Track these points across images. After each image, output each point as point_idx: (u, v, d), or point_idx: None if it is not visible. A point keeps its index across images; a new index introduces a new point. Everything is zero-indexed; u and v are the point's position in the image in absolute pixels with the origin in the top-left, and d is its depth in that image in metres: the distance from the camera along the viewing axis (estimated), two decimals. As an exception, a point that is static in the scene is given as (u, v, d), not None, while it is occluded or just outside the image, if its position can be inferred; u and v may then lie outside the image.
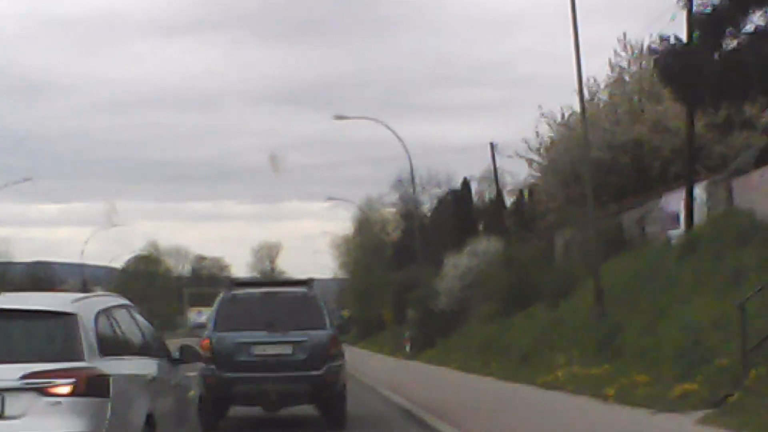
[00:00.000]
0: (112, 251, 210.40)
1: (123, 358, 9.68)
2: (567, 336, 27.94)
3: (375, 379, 31.71)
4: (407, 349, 51.83)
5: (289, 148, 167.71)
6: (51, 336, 9.12)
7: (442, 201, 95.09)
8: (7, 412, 8.60)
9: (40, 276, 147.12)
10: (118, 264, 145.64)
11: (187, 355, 11.69)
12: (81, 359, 8.89)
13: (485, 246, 49.23)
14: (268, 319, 16.86)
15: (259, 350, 16.88)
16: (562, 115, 43.20)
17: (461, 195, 60.02)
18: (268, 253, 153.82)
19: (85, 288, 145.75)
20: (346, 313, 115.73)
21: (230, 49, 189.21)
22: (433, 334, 47.84)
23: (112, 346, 9.56)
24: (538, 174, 45.69)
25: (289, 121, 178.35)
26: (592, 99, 43.32)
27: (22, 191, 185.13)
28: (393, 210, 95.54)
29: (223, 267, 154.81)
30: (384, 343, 69.33)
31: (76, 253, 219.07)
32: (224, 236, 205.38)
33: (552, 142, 43.26)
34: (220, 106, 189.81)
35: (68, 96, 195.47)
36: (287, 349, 16.88)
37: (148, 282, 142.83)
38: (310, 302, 17.25)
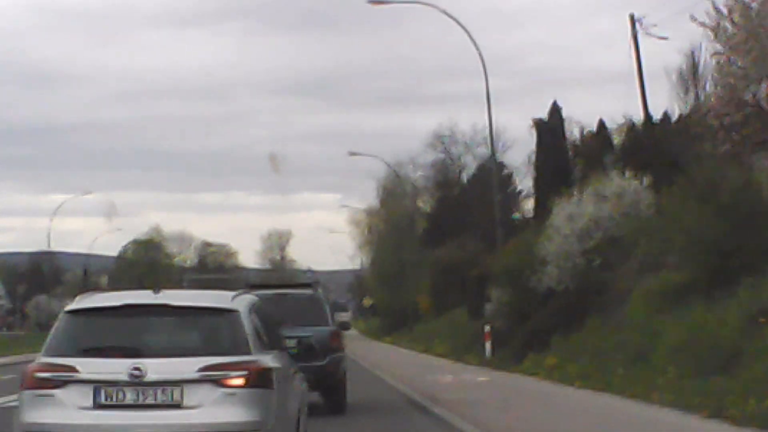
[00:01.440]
0: (120, 242, 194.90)
1: (272, 353, 9.56)
2: None
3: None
4: (487, 351, 31.24)
5: (300, 139, 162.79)
6: (219, 331, 9.09)
7: (485, 165, 74.47)
8: (186, 402, 8.61)
9: (42, 266, 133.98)
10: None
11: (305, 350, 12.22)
12: (248, 353, 8.91)
13: (617, 185, 28.64)
14: (278, 317, 15.99)
15: None
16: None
17: (551, 126, 39.14)
18: (278, 241, 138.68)
19: (86, 278, 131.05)
20: (367, 301, 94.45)
21: (241, 41, 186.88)
22: (542, 328, 27.15)
23: (263, 340, 9.44)
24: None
25: (300, 112, 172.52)
26: None
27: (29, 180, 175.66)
28: (426, 177, 74.64)
29: (230, 254, 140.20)
30: (428, 339, 48.57)
31: (84, 243, 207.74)
32: (234, 227, 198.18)
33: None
34: (232, 97, 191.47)
35: (79, 86, 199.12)
36: (294, 343, 16.69)
37: (148, 268, 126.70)
38: (314, 302, 18.11)
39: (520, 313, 29.22)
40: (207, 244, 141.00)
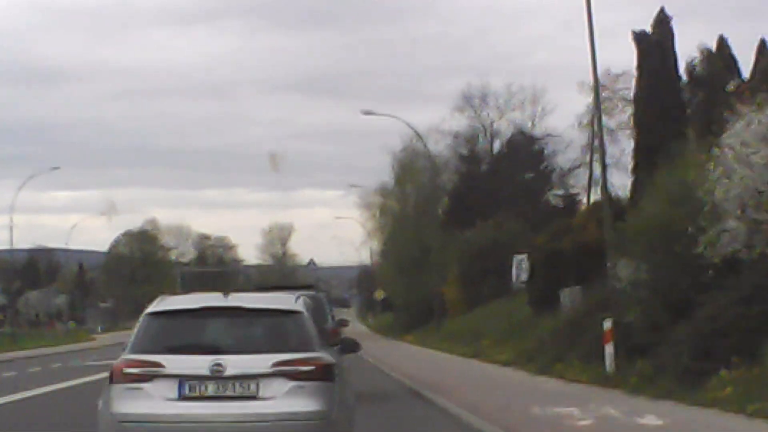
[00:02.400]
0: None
1: (328, 349, 9.91)
2: None
3: None
4: (608, 362, 19.01)
5: (302, 136, 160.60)
6: (287, 330, 9.55)
7: (516, 136, 62.42)
8: (261, 394, 9.05)
9: (38, 263, 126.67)
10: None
11: (347, 346, 12.13)
12: (313, 350, 9.37)
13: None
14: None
15: None
16: None
17: (657, 40, 26.96)
18: (279, 235, 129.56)
19: (81, 273, 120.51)
20: (379, 294, 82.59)
21: (244, 38, 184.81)
22: (730, 326, 15.07)
23: (320, 338, 9.81)
24: None
25: (303, 109, 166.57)
26: None
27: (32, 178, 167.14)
28: (452, 147, 62.35)
29: (229, 248, 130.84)
30: (470, 339, 36.45)
31: (85, 240, 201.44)
32: (236, 224, 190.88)
33: None
34: (234, 94, 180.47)
35: (82, 84, 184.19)
36: None
37: (142, 262, 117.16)
38: (315, 302, 17.87)
39: (673, 300, 17.04)
40: (205, 237, 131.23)
